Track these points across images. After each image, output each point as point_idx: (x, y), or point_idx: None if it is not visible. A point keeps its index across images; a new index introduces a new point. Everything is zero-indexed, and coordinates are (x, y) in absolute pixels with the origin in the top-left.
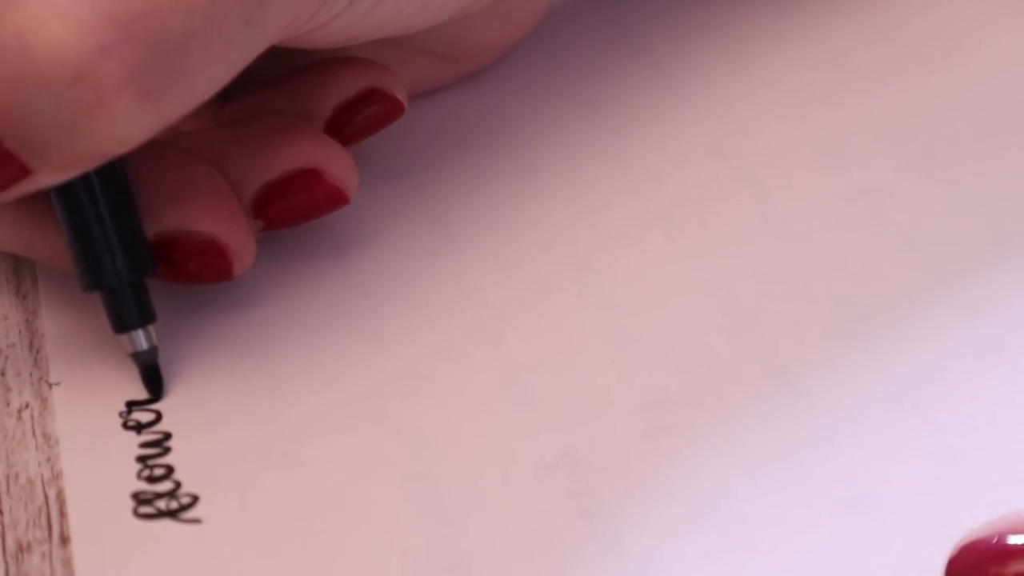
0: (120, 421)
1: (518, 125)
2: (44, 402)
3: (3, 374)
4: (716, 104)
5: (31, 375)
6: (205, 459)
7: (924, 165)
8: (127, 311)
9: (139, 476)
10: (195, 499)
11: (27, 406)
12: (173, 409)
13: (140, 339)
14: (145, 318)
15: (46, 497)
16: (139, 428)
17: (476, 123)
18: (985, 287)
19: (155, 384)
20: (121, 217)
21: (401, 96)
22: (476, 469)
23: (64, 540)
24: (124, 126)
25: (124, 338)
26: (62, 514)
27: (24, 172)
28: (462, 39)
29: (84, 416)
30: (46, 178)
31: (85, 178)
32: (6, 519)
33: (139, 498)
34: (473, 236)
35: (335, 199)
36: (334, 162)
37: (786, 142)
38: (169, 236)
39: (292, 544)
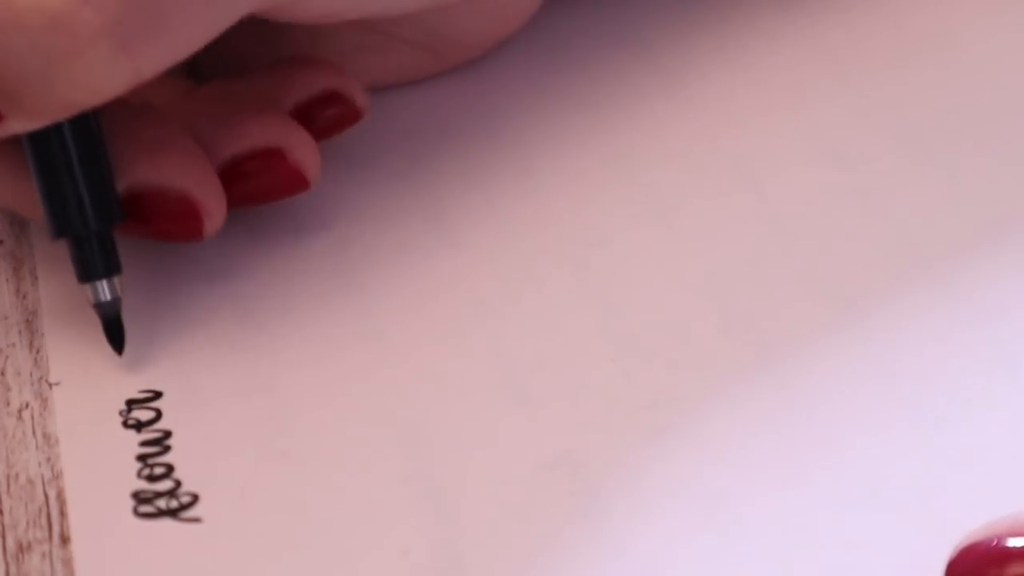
0: (120, 420)
1: (516, 124)
2: (44, 402)
3: (3, 374)
4: (714, 101)
5: (31, 375)
6: (205, 457)
7: (922, 160)
8: (92, 260)
9: (139, 475)
10: (195, 498)
11: (27, 406)
12: (173, 407)
13: (103, 289)
14: (110, 269)
15: (46, 497)
16: (139, 427)
17: (474, 121)
18: (984, 282)
19: (117, 336)
20: (91, 167)
21: (360, 102)
22: (476, 468)
23: (64, 540)
24: (98, 76)
25: (88, 288)
26: (62, 514)
27: None
28: (446, 30)
29: (84, 415)
30: (18, 124)
31: (58, 127)
32: (6, 519)
33: (139, 497)
34: (472, 235)
35: (297, 182)
36: (299, 145)
37: (783, 138)
38: (141, 190)
39: (292, 543)
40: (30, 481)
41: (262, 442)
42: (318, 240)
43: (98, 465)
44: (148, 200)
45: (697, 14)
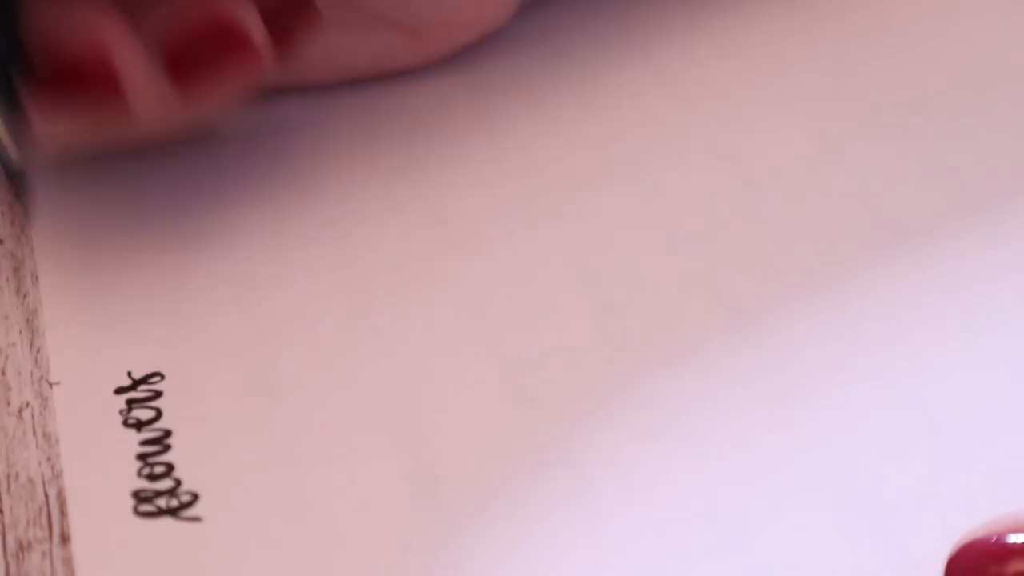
0: (120, 419)
1: (517, 122)
2: (44, 401)
3: (3, 373)
4: (712, 99)
5: (31, 375)
6: (205, 457)
7: (919, 159)
8: None
9: (139, 474)
10: (195, 497)
11: (27, 405)
12: (173, 407)
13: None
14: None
15: (46, 496)
16: (139, 426)
17: (474, 121)
18: (982, 277)
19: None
20: None
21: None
22: (476, 467)
23: (64, 539)
24: None
25: None
26: (62, 513)
27: None
28: (429, 12)
29: (84, 415)
30: None
31: None
32: (6, 518)
33: (139, 496)
34: (472, 234)
35: (244, 50)
36: (245, 17)
37: (781, 136)
38: (53, 45)
39: (292, 542)
40: (30, 480)
41: (262, 442)
42: (319, 239)
43: (98, 464)
44: (59, 52)
45: (693, 9)
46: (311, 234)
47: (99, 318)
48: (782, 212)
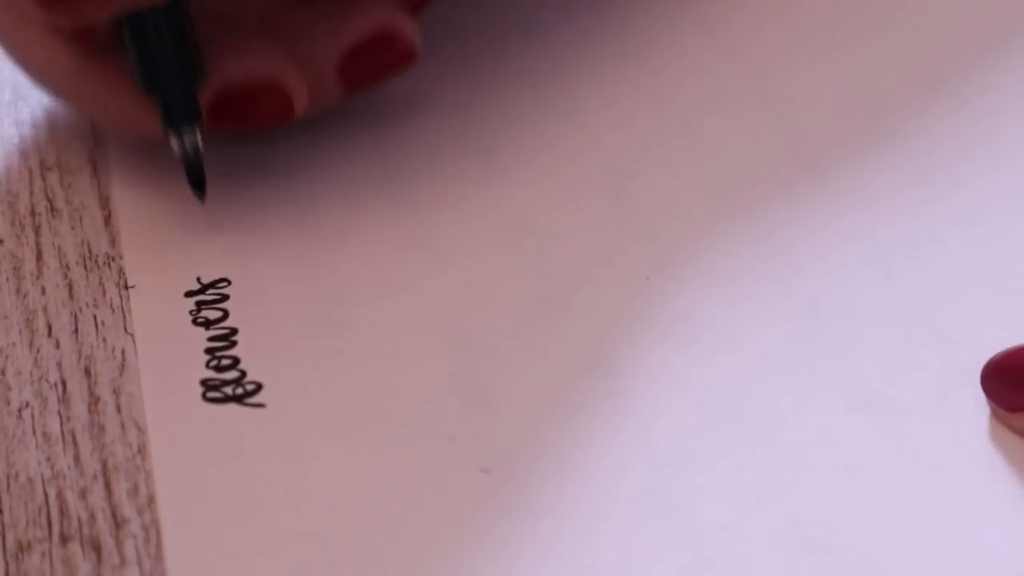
0: (190, 319)
1: (564, 65)
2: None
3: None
4: (751, 49)
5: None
6: (268, 353)
7: (953, 104)
8: (176, 111)
9: (207, 366)
10: (259, 386)
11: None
12: (239, 309)
13: (187, 139)
14: (191, 118)
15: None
16: (207, 324)
17: (528, 70)
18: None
19: (199, 181)
20: (177, 32)
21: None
22: (517, 368)
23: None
24: None
25: (174, 141)
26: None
27: None
28: None
29: (157, 314)
30: None
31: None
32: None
33: (208, 384)
34: (519, 163)
35: (408, 57)
36: (405, 26)
37: (816, 83)
38: (230, 85)
39: (348, 428)
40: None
41: (321, 341)
42: (377, 169)
43: (170, 357)
44: (240, 93)
45: None
46: (370, 165)
47: (172, 229)
48: (812, 152)
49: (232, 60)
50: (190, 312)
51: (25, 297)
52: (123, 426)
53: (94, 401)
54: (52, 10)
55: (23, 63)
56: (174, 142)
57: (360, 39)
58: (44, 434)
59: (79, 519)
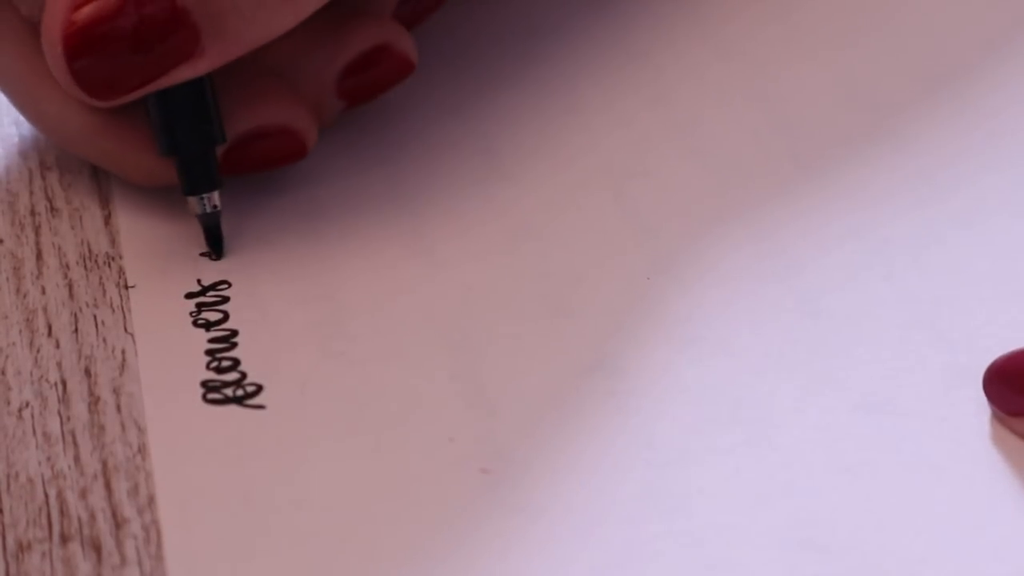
0: (191, 320)
1: (563, 66)
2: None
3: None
4: (751, 49)
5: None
6: (269, 354)
7: (954, 104)
8: (196, 177)
9: (208, 367)
10: (259, 388)
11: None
12: (239, 311)
13: (206, 202)
14: (212, 184)
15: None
16: (208, 326)
17: (529, 72)
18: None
19: (216, 243)
20: (198, 99)
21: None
22: (518, 368)
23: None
24: (279, 18)
25: (193, 200)
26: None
27: (192, 52)
28: None
29: (157, 315)
30: (202, 65)
31: None
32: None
33: (208, 386)
34: (519, 165)
35: (405, 69)
36: (399, 39)
37: (816, 83)
38: (247, 135)
39: (348, 429)
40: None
41: (321, 343)
42: (377, 171)
43: (170, 358)
44: (254, 140)
45: None
46: (371, 164)
47: (172, 230)
48: (812, 151)
49: (243, 107)
50: (190, 314)
51: (25, 297)
52: (123, 426)
53: (94, 401)
54: (92, 96)
55: (33, 118)
56: (194, 205)
57: (357, 55)
58: (44, 434)
59: (79, 519)
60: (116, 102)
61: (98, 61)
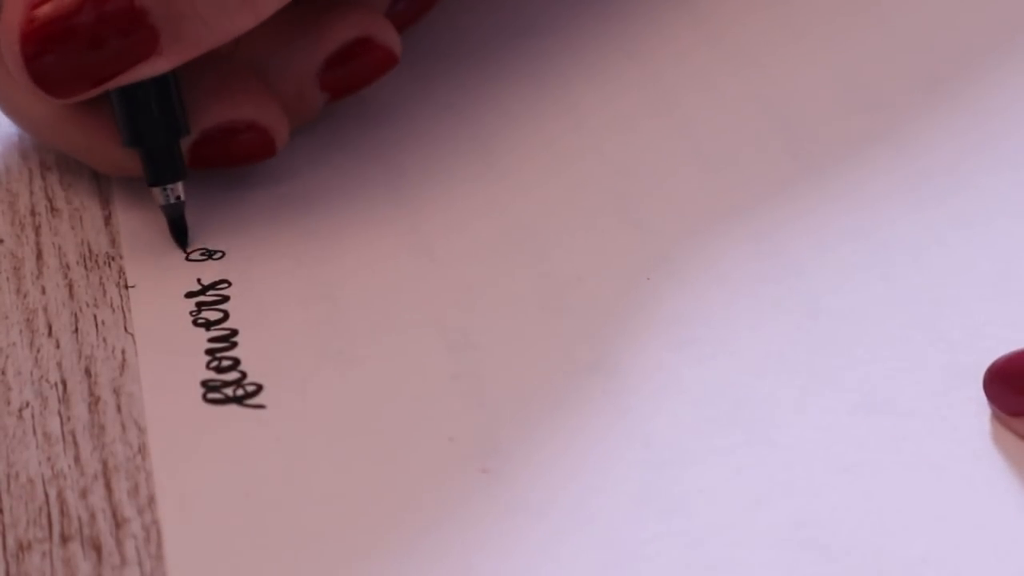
0: (191, 319)
1: (561, 65)
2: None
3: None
4: (751, 49)
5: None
6: (269, 354)
7: (954, 104)
8: (161, 168)
9: (208, 366)
10: (259, 387)
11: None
12: (239, 310)
13: (169, 192)
14: (176, 175)
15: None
16: (208, 325)
17: (527, 70)
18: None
19: (181, 234)
20: (162, 90)
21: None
22: (517, 368)
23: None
24: (239, 19)
25: (157, 191)
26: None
27: (150, 51)
28: None
29: (157, 315)
30: (160, 64)
31: None
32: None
33: (208, 385)
34: (516, 163)
35: (388, 61)
36: (382, 31)
37: (816, 83)
38: (215, 129)
39: (348, 429)
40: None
41: (321, 343)
42: (376, 169)
43: (170, 357)
44: (222, 135)
45: None
46: (368, 161)
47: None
48: (813, 152)
49: (212, 102)
50: (190, 313)
51: (25, 297)
52: (123, 426)
53: (94, 401)
54: (50, 93)
55: (5, 109)
56: (158, 196)
57: (339, 47)
58: (44, 434)
59: (79, 519)
60: (75, 99)
61: (56, 59)
